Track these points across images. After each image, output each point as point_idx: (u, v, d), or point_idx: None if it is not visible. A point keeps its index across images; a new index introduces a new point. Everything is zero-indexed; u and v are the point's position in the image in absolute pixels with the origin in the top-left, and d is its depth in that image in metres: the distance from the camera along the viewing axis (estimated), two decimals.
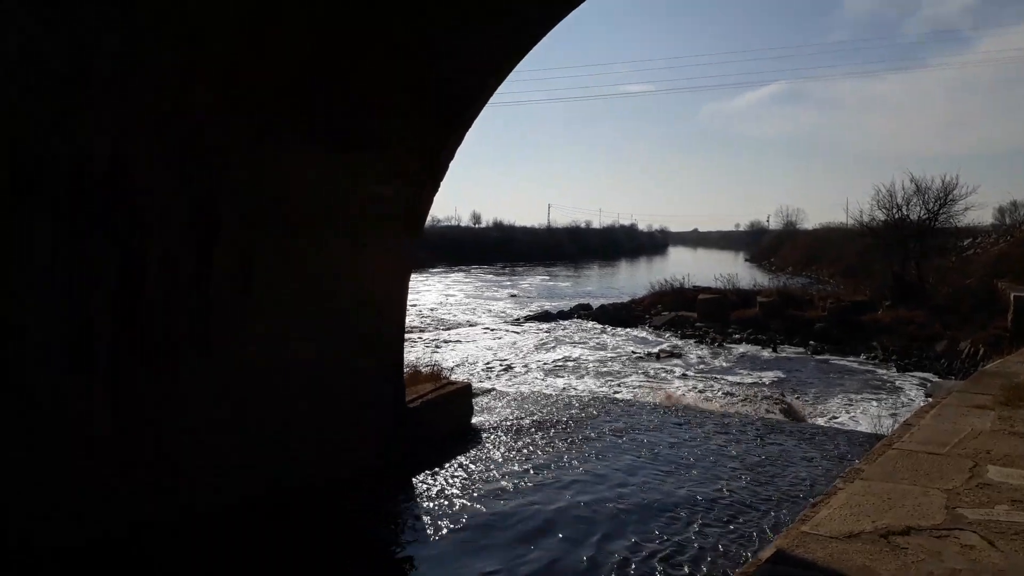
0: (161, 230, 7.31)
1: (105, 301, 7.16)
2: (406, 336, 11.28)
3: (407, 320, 11.17)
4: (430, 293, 42.29)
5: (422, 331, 26.65)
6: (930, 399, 10.88)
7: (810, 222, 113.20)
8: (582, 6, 8.06)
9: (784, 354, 23.42)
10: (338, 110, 8.01)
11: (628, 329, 28.23)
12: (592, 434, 11.62)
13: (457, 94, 8.89)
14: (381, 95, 8.20)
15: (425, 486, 9.06)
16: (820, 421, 14.46)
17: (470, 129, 9.72)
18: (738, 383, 18.31)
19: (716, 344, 24.99)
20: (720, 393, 16.88)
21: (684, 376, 19.38)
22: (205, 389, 7.81)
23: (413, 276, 11.08)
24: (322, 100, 7.81)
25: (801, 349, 24.23)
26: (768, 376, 19.45)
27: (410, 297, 10.24)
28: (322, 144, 8.20)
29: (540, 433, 11.58)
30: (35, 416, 6.62)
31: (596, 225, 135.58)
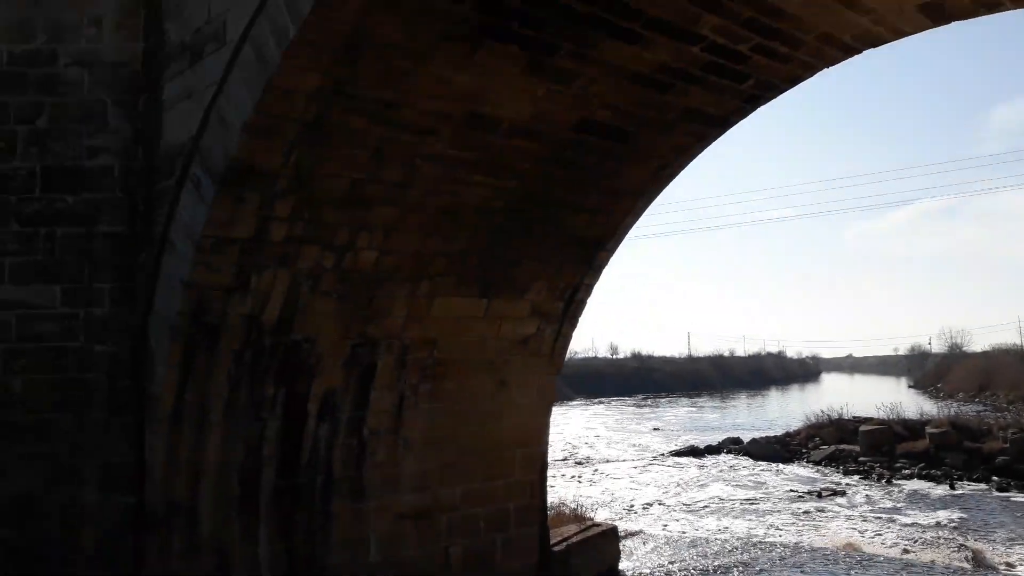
0: (323, 373, 7.84)
1: (271, 442, 7.68)
2: (547, 472, 11.18)
3: (548, 455, 11.10)
4: (570, 427, 41.84)
5: (564, 466, 26.23)
6: None
7: (977, 344, 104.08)
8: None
9: (962, 491, 21.12)
10: (490, 267, 8.54)
11: (783, 465, 26.50)
12: None
13: (596, 237, 9.20)
14: (528, 251, 8.69)
15: None
16: (1021, 572, 12.72)
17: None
18: (912, 524, 16.57)
19: (883, 480, 22.95)
20: (893, 536, 15.31)
21: (850, 517, 17.79)
22: (358, 533, 8.03)
23: (553, 410, 11.12)
24: (479, 262, 8.39)
25: (982, 485, 21.80)
26: (946, 517, 17.52)
27: (551, 431, 10.26)
28: (470, 291, 8.66)
29: None
30: (209, 561, 7.02)
31: (740, 353, 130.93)
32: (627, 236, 9.71)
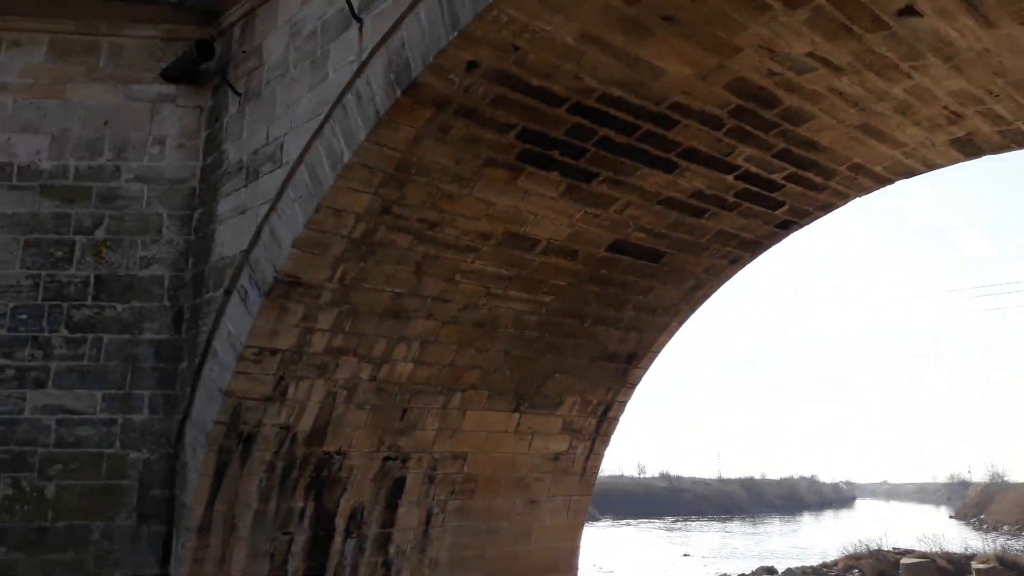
0: (353, 487, 7.77)
1: (297, 557, 7.52)
2: None
3: None
4: (596, 550, 40.27)
5: None
6: None
7: (1019, 474, 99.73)
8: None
9: None
10: (523, 380, 8.57)
11: None
12: None
13: (629, 353, 9.22)
14: (562, 365, 8.73)
15: None
16: None
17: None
18: None
19: None
20: None
21: None
22: None
23: None
24: (512, 375, 8.45)
25: None
26: None
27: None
28: (503, 405, 8.65)
29: None
30: None
31: (772, 476, 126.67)
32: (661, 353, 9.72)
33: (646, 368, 9.62)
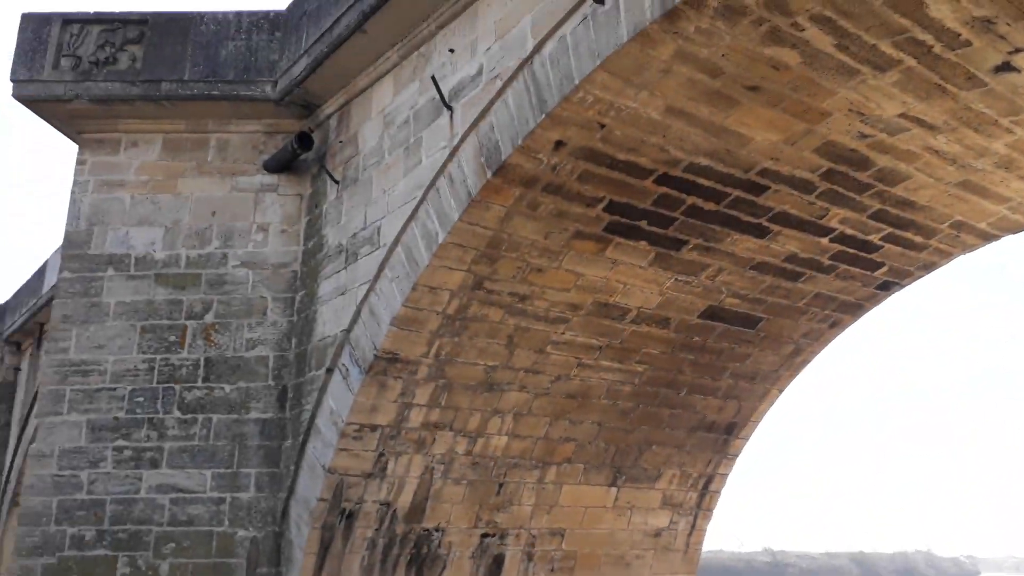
0: (452, 563, 7.73)
1: None
2: None
3: None
4: None
5: None
6: None
7: None
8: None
9: None
10: (619, 453, 8.45)
11: None
12: None
13: (729, 423, 8.97)
14: (658, 437, 8.57)
15: None
16: None
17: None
18: None
19: None
20: None
21: None
22: None
23: None
24: (607, 447, 8.35)
25: None
26: None
27: None
28: (599, 479, 8.51)
29: None
30: None
31: (884, 549, 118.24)
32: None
33: (747, 438, 9.31)
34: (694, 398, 8.63)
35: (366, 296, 6.87)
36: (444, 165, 6.11)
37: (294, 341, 7.87)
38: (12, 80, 7.83)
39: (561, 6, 5.13)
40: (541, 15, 5.31)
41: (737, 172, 6.00)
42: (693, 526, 9.48)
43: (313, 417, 7.36)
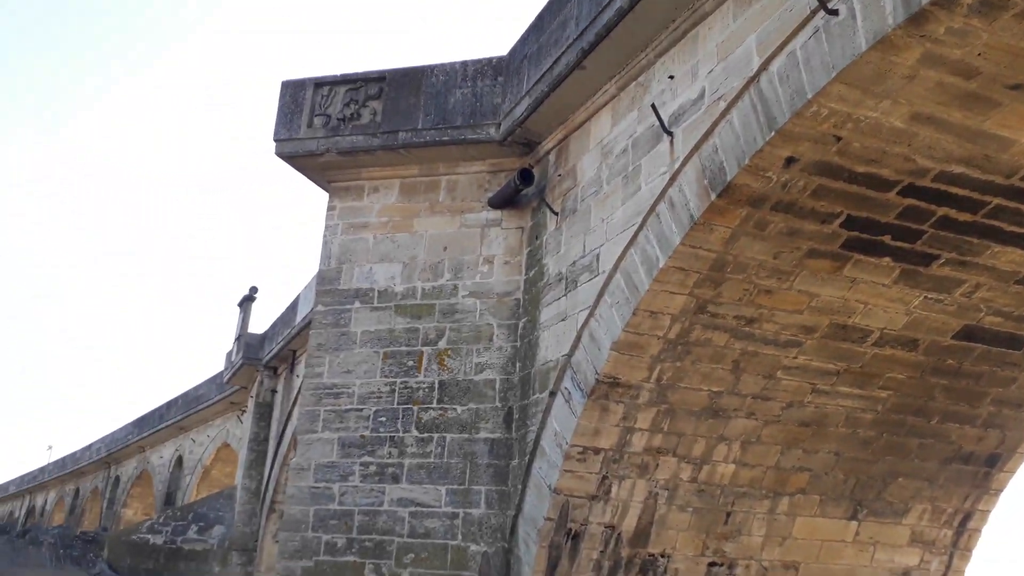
0: None
1: None
2: None
3: None
4: None
5: None
6: None
7: None
8: None
9: None
10: (860, 485, 7.85)
11: None
12: None
13: (990, 454, 8.01)
14: (905, 468, 7.86)
15: None
16: None
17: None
18: None
19: None
20: None
21: None
22: None
23: None
24: (845, 479, 7.81)
25: None
26: None
27: None
28: (837, 512, 7.95)
29: None
30: None
31: None
32: None
33: (1014, 471, 8.24)
34: (948, 427, 7.79)
35: (586, 321, 6.98)
36: (664, 190, 6.07)
37: (518, 365, 8.16)
38: (275, 140, 8.94)
39: (789, 22, 4.92)
40: (767, 33, 5.13)
41: (998, 178, 5.38)
42: (948, 566, 8.54)
43: (538, 438, 7.57)
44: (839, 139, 5.08)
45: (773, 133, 5.06)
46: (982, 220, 5.75)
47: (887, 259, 6.10)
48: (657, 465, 7.35)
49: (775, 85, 5.04)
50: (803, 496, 7.88)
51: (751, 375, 7.07)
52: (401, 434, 8.49)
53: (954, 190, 5.49)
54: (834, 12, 4.56)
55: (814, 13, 4.72)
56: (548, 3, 7.67)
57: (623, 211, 6.64)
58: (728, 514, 7.72)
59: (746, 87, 5.27)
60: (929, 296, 6.48)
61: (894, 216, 5.73)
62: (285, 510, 9.03)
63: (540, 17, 7.80)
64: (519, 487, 7.82)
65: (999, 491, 8.38)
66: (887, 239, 5.92)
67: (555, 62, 7.16)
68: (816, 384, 7.22)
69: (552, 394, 7.45)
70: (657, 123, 6.11)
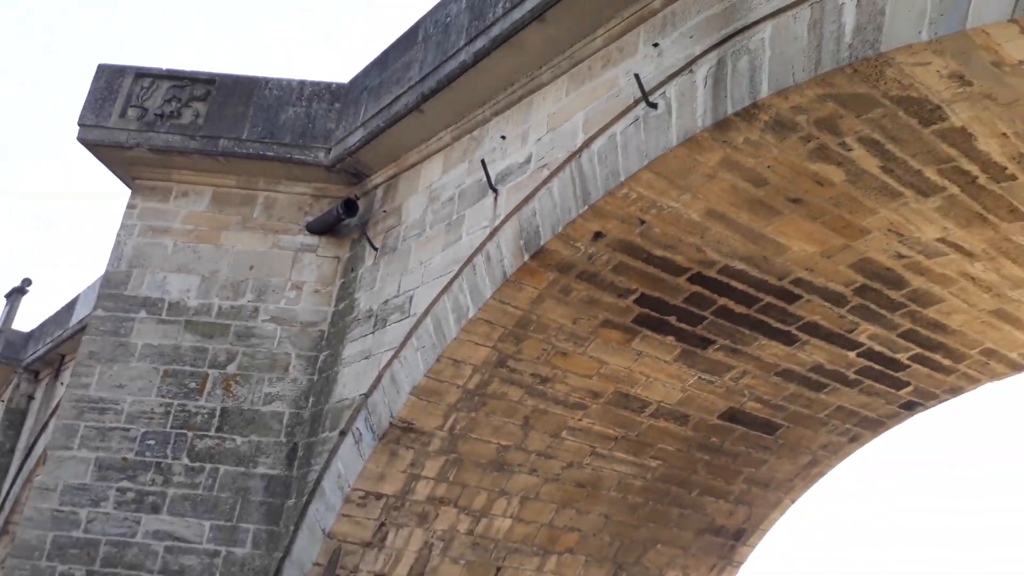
0: None
1: None
2: None
3: None
4: None
5: None
6: None
7: None
8: None
9: None
10: (623, 548, 8.29)
11: None
12: None
13: (737, 529, 8.77)
14: (664, 535, 8.41)
15: None
16: None
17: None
18: None
19: None
20: None
21: None
22: None
23: None
24: (611, 541, 8.20)
25: None
26: None
27: None
28: (600, 573, 8.31)
29: None
30: None
31: None
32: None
33: (754, 546, 9.08)
34: (705, 499, 8.47)
35: (389, 362, 6.90)
36: (483, 244, 6.23)
37: (311, 400, 7.86)
38: (80, 124, 8.15)
39: (615, 106, 5.32)
40: (594, 112, 5.51)
41: (771, 279, 6.06)
42: None
43: (320, 479, 7.29)
44: (643, 222, 5.50)
45: (587, 207, 5.39)
46: (755, 314, 6.42)
47: (671, 338, 6.62)
48: (437, 515, 7.33)
49: (594, 163, 5.40)
50: (571, 556, 8.17)
51: (539, 432, 7.31)
52: (170, 460, 7.82)
53: (735, 284, 6.11)
54: (653, 105, 4.99)
55: (636, 103, 5.14)
56: (396, 41, 7.75)
57: (442, 257, 6.72)
58: (498, 569, 7.82)
59: (569, 160, 5.59)
60: (703, 376, 7.09)
61: (681, 300, 6.26)
62: (18, 533, 7.96)
63: (386, 53, 7.84)
64: (291, 528, 7.44)
65: (740, 564, 9.18)
66: (673, 320, 6.44)
67: (395, 100, 7.21)
68: (596, 447, 7.60)
69: (343, 433, 7.24)
70: (485, 178, 6.30)
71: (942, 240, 5.41)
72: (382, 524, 7.11)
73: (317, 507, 7.24)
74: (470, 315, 6.22)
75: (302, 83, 8.50)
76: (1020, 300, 5.97)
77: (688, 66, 4.89)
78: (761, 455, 8.15)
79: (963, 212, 5.06)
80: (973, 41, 3.56)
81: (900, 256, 5.67)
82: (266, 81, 8.53)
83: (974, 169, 4.65)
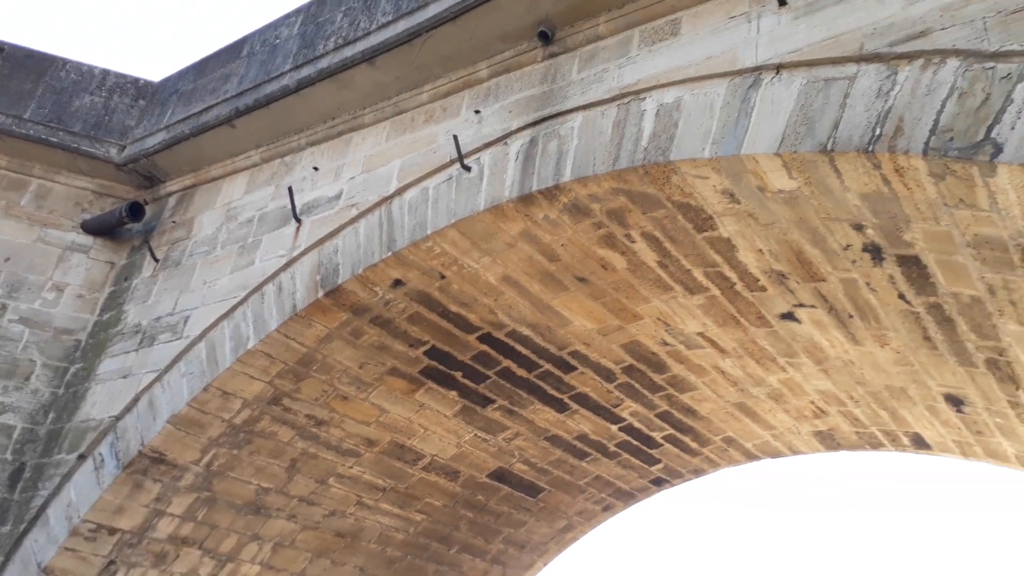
0: None
1: None
2: None
3: None
4: None
5: None
6: None
7: None
8: None
9: None
10: None
11: None
12: None
13: None
14: None
15: None
16: None
17: None
18: None
19: None
20: None
21: None
22: None
23: None
24: None
25: None
26: None
27: None
28: None
29: None
30: None
31: None
32: None
33: None
34: (462, 557, 8.55)
35: (150, 385, 6.37)
36: (277, 272, 6.02)
37: (52, 416, 7.03)
38: None
39: (432, 161, 5.45)
40: (411, 163, 5.60)
41: (553, 348, 6.40)
42: None
43: (45, 506, 6.49)
44: (443, 277, 5.62)
45: (390, 253, 5.41)
46: (534, 379, 6.72)
47: (454, 393, 6.74)
48: (178, 556, 6.76)
49: (404, 212, 5.47)
50: None
51: (305, 477, 7.05)
52: None
53: (520, 348, 6.37)
54: (468, 168, 5.18)
55: (452, 163, 5.31)
56: (219, 51, 7.43)
57: (230, 280, 6.38)
58: None
59: (380, 204, 5.61)
60: (479, 434, 7.25)
61: (469, 357, 6.41)
62: None
63: (205, 60, 7.49)
64: (0, 559, 6.52)
65: None
66: (459, 375, 6.57)
67: (207, 109, 6.86)
68: (362, 497, 7.45)
69: (82, 457, 6.52)
70: (290, 206, 6.13)
71: (701, 334, 6.03)
72: (111, 562, 6.43)
73: (36, 537, 6.41)
74: (249, 345, 5.93)
75: (105, 72, 7.84)
76: (759, 397, 6.77)
77: (504, 138, 5.14)
78: (522, 516, 8.41)
79: (721, 312, 5.69)
80: (744, 166, 4.09)
81: (665, 343, 6.24)
82: (64, 62, 7.77)
83: (734, 276, 5.26)
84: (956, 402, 5.90)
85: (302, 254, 5.91)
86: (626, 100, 4.60)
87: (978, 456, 6.66)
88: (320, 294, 5.73)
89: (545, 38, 5.08)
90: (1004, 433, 6.03)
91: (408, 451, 7.25)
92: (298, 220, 6.04)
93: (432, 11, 5.34)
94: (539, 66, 5.20)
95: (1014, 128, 3.20)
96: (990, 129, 3.27)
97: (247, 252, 6.35)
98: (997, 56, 3.35)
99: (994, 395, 5.51)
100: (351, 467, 7.18)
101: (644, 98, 4.52)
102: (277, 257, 6.10)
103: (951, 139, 3.35)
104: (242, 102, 6.52)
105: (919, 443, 6.87)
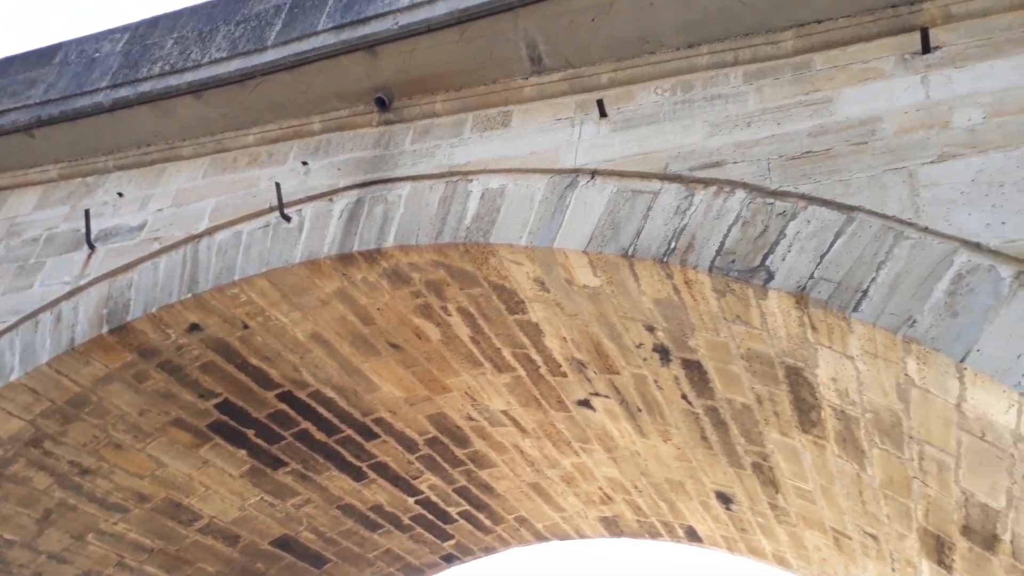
0: None
1: None
2: None
3: None
4: None
5: None
6: None
7: None
8: None
9: None
10: None
11: None
12: None
13: None
14: None
15: None
16: None
17: None
18: None
19: None
20: None
21: None
22: None
23: None
24: None
25: None
26: None
27: None
28: None
29: None
30: None
31: None
32: None
33: None
34: None
35: None
36: (58, 300, 5.45)
37: None
38: None
39: (250, 205, 5.23)
40: (226, 204, 5.34)
41: (357, 413, 6.21)
42: None
43: None
44: (247, 327, 5.33)
45: (190, 295, 5.07)
46: (333, 444, 6.46)
47: (244, 452, 6.32)
48: None
49: (211, 253, 5.17)
50: None
51: (59, 531, 6.28)
52: None
53: (321, 410, 6.13)
54: (287, 218, 5.01)
55: (272, 210, 5.12)
56: (28, 52, 6.79)
57: (2, 302, 5.69)
58: None
59: (186, 241, 5.27)
60: (266, 498, 6.82)
61: (265, 415, 6.07)
62: None
63: (10, 60, 6.82)
64: None
65: None
66: (251, 433, 6.19)
67: (3, 112, 6.21)
68: (124, 557, 6.74)
69: None
70: (84, 230, 5.61)
71: (505, 412, 6.11)
72: None
73: None
74: (12, 378, 5.29)
75: None
76: (553, 479, 6.91)
77: (330, 194, 5.05)
78: None
79: (525, 393, 5.80)
80: (555, 259, 4.26)
81: (470, 418, 6.25)
82: None
83: (539, 359, 5.40)
84: (726, 500, 6.32)
85: (90, 283, 5.40)
86: (455, 179, 4.69)
87: (742, 552, 7.14)
88: (104, 329, 5.24)
89: (382, 104, 5.10)
90: (764, 532, 6.52)
91: (184, 510, 6.67)
92: (91, 246, 5.53)
93: (270, 56, 5.21)
94: (373, 130, 5.19)
95: (784, 259, 3.59)
96: (765, 257, 3.64)
97: (26, 274, 5.71)
98: (776, 194, 3.77)
99: (757, 496, 5.96)
100: (115, 523, 6.48)
101: (472, 179, 4.62)
102: (61, 283, 5.53)
103: (733, 261, 3.69)
104: (46, 111, 5.97)
105: (692, 536, 7.27)
